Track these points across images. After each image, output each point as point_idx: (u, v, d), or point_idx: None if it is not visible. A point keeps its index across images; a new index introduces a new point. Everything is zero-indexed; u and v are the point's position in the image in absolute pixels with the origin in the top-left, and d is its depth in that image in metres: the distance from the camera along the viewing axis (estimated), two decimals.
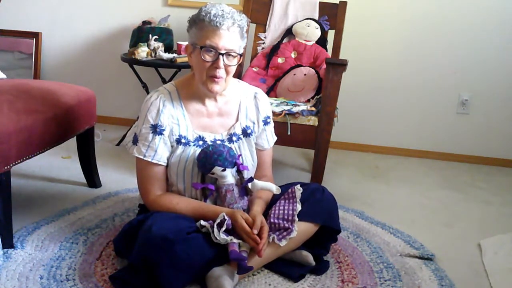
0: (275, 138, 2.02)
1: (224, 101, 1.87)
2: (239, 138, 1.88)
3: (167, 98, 1.79)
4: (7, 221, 1.85)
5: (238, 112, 1.89)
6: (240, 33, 1.75)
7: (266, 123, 1.94)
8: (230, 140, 1.86)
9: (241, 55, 1.77)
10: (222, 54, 1.71)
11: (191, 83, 1.84)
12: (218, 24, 1.69)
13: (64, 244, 1.93)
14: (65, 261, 1.82)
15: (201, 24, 1.72)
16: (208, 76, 1.73)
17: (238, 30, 1.74)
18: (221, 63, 1.71)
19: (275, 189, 1.82)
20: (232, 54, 1.73)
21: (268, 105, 1.96)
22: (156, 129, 1.77)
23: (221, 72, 1.72)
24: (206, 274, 1.65)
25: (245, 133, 1.89)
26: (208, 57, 1.71)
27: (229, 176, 1.78)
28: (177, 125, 1.80)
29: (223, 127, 1.87)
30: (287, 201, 1.80)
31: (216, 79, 1.73)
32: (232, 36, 1.72)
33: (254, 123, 1.91)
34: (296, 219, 1.73)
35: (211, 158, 1.74)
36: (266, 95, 1.97)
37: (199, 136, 1.82)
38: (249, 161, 1.89)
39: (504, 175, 3.15)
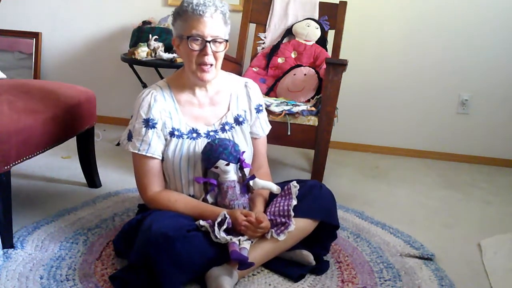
0: (270, 126, 2.05)
1: (214, 90, 1.89)
2: (232, 127, 1.90)
3: (158, 93, 1.83)
4: (7, 221, 1.85)
5: (230, 101, 1.91)
6: (224, 20, 1.80)
7: (258, 111, 1.97)
8: (223, 129, 1.88)
9: (227, 41, 1.81)
10: (209, 42, 1.75)
11: (181, 75, 1.88)
12: (201, 13, 1.73)
13: (64, 244, 1.93)
14: (65, 261, 1.82)
15: (185, 15, 1.76)
16: (198, 64, 1.77)
17: (221, 16, 1.78)
18: (208, 50, 1.75)
19: (275, 188, 1.85)
20: (218, 40, 1.77)
21: (259, 94, 1.99)
22: (149, 123, 1.79)
23: (210, 59, 1.76)
24: (205, 274, 1.65)
25: (237, 121, 1.91)
26: (195, 46, 1.75)
27: (232, 172, 1.80)
28: (170, 118, 1.82)
29: (215, 117, 1.89)
30: (283, 198, 1.81)
31: (205, 68, 1.77)
32: (216, 22, 1.76)
33: (245, 111, 1.94)
34: (292, 213, 1.74)
35: (216, 151, 1.76)
36: (256, 84, 2.01)
37: (192, 128, 1.84)
38: (244, 148, 1.90)
39: (504, 175, 3.15)
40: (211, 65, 1.78)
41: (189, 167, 1.82)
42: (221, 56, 1.80)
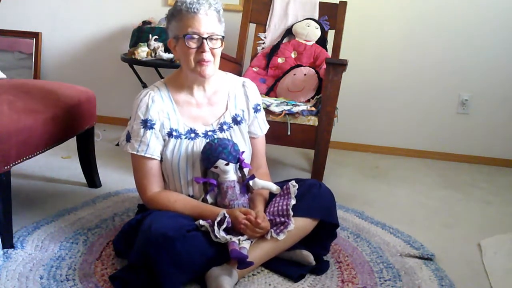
0: (268, 125, 2.05)
1: (212, 90, 1.89)
2: (230, 127, 1.90)
3: (156, 94, 1.83)
4: (7, 221, 1.85)
5: (227, 101, 1.91)
6: (218, 17, 1.80)
7: (256, 110, 1.97)
8: (221, 129, 1.88)
9: (223, 37, 1.81)
10: (206, 38, 1.75)
11: (179, 76, 1.88)
12: (195, 10, 1.74)
13: (64, 244, 1.93)
14: (65, 261, 1.82)
15: (179, 15, 1.77)
16: (196, 61, 1.77)
17: (215, 13, 1.79)
18: (206, 47, 1.75)
19: (275, 188, 1.84)
20: (214, 37, 1.77)
21: (257, 93, 1.99)
22: (147, 124, 1.79)
23: (207, 56, 1.76)
24: (205, 274, 1.65)
25: (236, 121, 1.91)
26: (192, 44, 1.75)
27: (231, 171, 1.80)
28: (168, 119, 1.82)
29: (213, 117, 1.89)
30: (282, 197, 1.81)
31: (204, 62, 1.76)
32: (211, 19, 1.77)
33: (243, 110, 1.94)
34: (291, 213, 1.74)
35: (215, 150, 1.76)
36: (254, 84, 2.00)
37: (191, 128, 1.84)
38: (242, 148, 1.90)
39: (504, 175, 3.15)
40: (210, 61, 1.78)
41: (187, 167, 1.82)
42: (218, 52, 1.80)
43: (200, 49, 1.75)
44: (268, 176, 2.00)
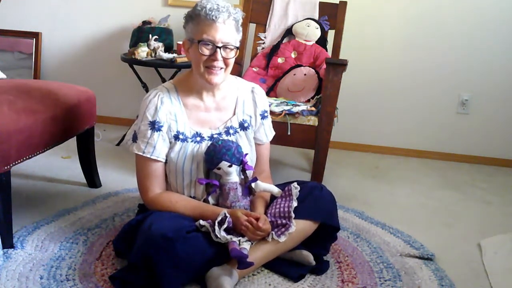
0: (273, 132, 2.04)
1: (221, 96, 1.88)
2: (236, 131, 1.89)
3: (165, 95, 1.81)
4: (7, 221, 1.86)
5: (235, 106, 1.90)
6: (236, 26, 1.78)
7: (263, 117, 1.96)
8: (227, 133, 1.88)
9: (237, 48, 1.79)
10: (220, 47, 1.73)
11: (189, 79, 1.86)
12: (214, 18, 1.72)
13: (64, 244, 1.93)
14: (65, 261, 1.82)
15: (197, 19, 1.74)
16: (205, 67, 1.76)
17: (234, 23, 1.77)
18: (218, 56, 1.74)
19: (276, 191, 1.85)
20: (229, 47, 1.75)
21: (265, 100, 1.98)
22: (155, 126, 1.78)
23: (219, 64, 1.75)
24: (205, 274, 1.65)
25: (242, 126, 1.91)
26: (206, 51, 1.74)
27: (234, 173, 1.80)
28: (175, 121, 1.81)
29: (220, 121, 1.89)
30: (283, 199, 1.81)
31: (214, 70, 1.75)
32: (228, 29, 1.75)
33: (251, 116, 1.93)
34: (293, 215, 1.74)
35: (219, 152, 1.76)
36: (263, 90, 2.00)
37: (197, 132, 1.84)
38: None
39: (504, 175, 3.15)
40: (221, 68, 1.76)
41: (191, 169, 1.82)
42: (231, 62, 1.79)
43: (212, 57, 1.74)
44: (270, 180, 2.00)
